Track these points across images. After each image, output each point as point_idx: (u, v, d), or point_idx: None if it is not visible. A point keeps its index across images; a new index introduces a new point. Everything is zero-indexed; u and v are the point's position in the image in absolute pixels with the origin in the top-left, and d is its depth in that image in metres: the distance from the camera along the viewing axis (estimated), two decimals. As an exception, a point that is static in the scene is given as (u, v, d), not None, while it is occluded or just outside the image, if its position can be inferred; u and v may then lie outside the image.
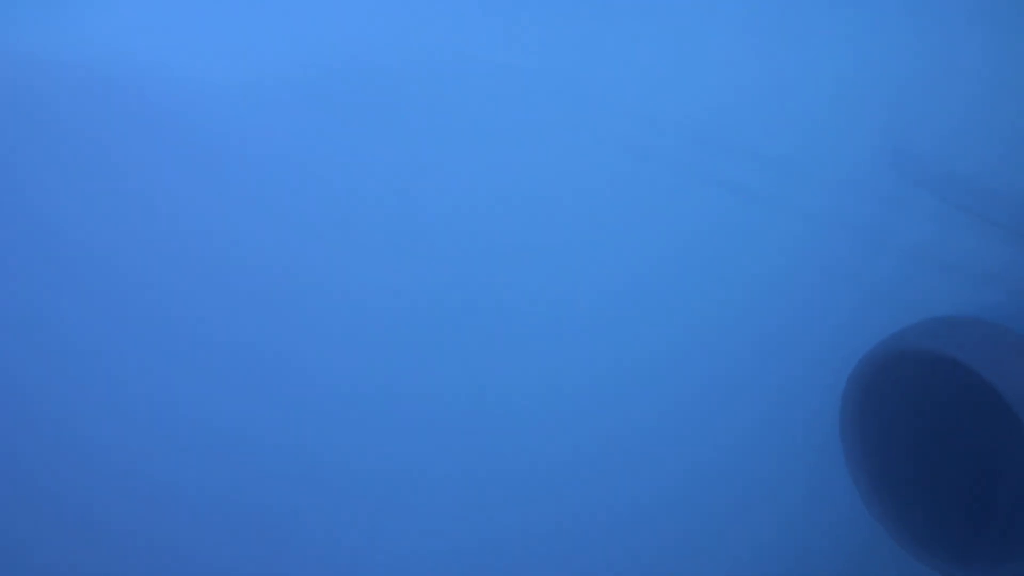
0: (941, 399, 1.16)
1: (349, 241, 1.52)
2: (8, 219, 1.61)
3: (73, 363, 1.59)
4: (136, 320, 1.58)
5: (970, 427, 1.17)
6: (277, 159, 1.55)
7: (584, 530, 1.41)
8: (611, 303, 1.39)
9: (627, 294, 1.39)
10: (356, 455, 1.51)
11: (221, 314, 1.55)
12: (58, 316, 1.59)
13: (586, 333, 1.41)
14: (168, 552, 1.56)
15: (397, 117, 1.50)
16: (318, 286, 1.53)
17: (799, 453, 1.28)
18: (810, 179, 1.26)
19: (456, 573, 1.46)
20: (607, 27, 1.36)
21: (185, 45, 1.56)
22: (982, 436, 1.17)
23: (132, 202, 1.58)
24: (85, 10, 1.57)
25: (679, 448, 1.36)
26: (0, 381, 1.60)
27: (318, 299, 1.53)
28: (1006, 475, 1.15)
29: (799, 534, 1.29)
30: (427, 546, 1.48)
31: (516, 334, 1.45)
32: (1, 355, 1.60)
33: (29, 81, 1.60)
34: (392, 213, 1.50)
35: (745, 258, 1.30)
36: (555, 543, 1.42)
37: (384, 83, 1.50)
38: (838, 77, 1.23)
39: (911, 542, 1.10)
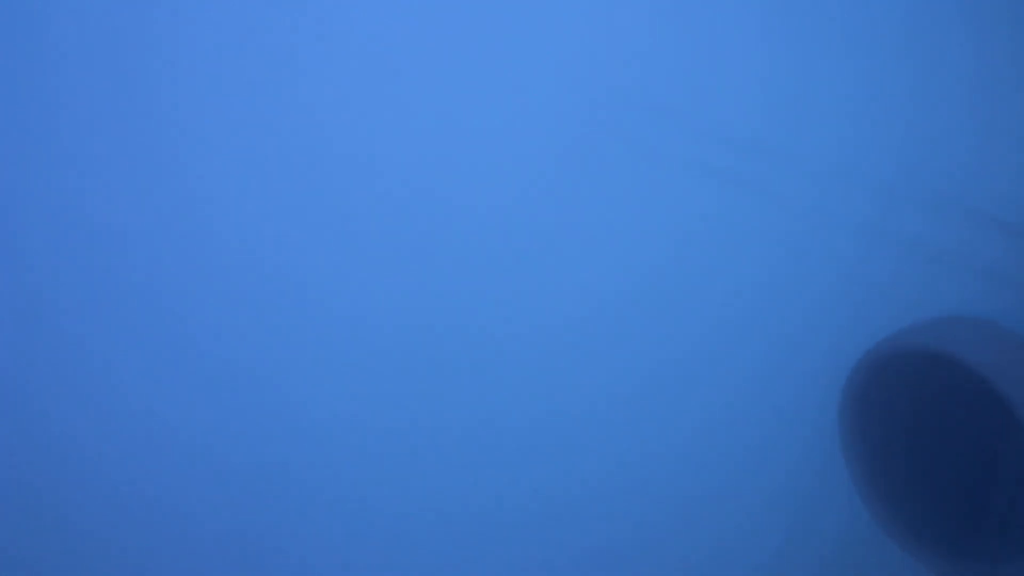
0: (940, 398, 1.16)
1: (348, 246, 1.52)
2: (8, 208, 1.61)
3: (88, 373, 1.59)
4: (138, 331, 1.58)
5: (968, 426, 1.17)
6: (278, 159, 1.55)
7: (581, 528, 1.41)
8: (608, 299, 1.40)
9: (624, 290, 1.39)
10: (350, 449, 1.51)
11: (233, 327, 1.55)
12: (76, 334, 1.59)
13: (582, 329, 1.41)
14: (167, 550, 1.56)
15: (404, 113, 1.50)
16: (321, 291, 1.53)
17: (798, 450, 1.29)
18: (811, 179, 1.26)
19: (449, 543, 1.46)
20: (607, 19, 1.36)
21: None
22: (980, 435, 1.17)
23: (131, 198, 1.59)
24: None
25: (677, 444, 1.36)
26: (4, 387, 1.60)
27: (321, 303, 1.53)
28: (1004, 474, 1.15)
29: (797, 531, 1.29)
30: (422, 510, 1.47)
31: (512, 327, 1.45)
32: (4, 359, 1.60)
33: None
34: (385, 207, 1.50)
35: (745, 257, 1.30)
36: (552, 539, 1.42)
37: (386, 85, 1.50)
38: (840, 77, 1.24)
39: (908, 540, 1.10)
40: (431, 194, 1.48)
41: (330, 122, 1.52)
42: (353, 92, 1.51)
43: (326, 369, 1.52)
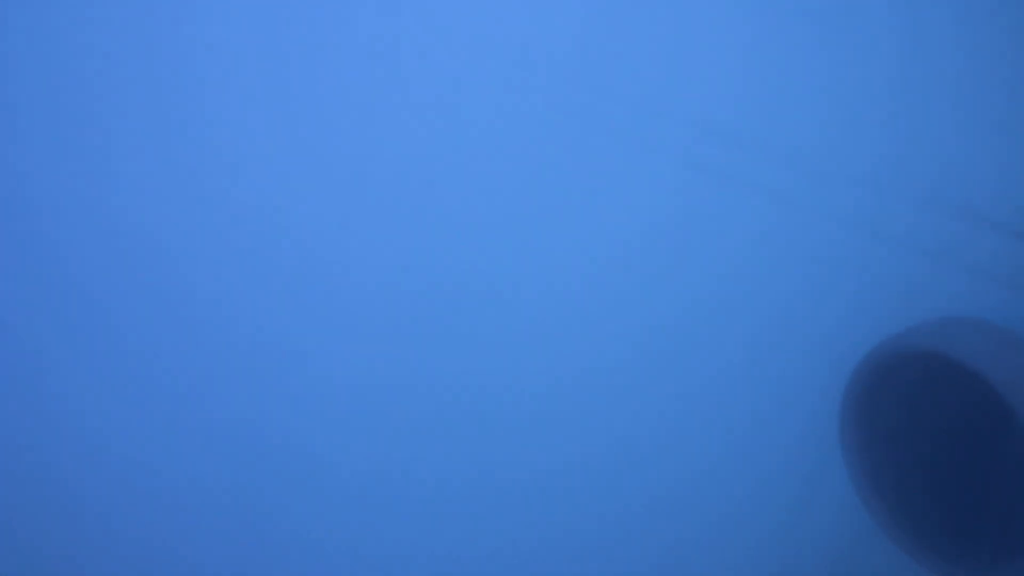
0: (941, 399, 1.16)
1: (348, 230, 1.52)
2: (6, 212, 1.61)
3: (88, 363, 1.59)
4: (142, 313, 1.58)
5: (969, 428, 1.17)
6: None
7: (583, 530, 1.41)
8: (605, 298, 1.40)
9: (621, 290, 1.39)
10: (353, 455, 1.51)
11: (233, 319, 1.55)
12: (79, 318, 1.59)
13: (584, 331, 1.41)
14: (164, 549, 1.56)
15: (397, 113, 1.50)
16: (320, 280, 1.53)
17: (798, 452, 1.29)
18: (813, 179, 1.26)
19: (450, 573, 1.46)
20: (624, 22, 1.36)
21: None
22: (980, 437, 1.17)
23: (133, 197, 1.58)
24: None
25: (678, 446, 1.36)
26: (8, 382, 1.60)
27: (320, 294, 1.53)
28: (1004, 476, 1.15)
29: (797, 533, 1.29)
30: (421, 546, 1.48)
31: (515, 332, 1.45)
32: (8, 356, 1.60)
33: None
34: (386, 195, 1.50)
35: (747, 257, 1.31)
36: (553, 539, 1.42)
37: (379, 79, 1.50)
38: (844, 76, 1.24)
39: (907, 541, 1.11)
40: (422, 194, 1.48)
41: (319, 116, 1.52)
42: (343, 92, 1.50)
43: (330, 356, 1.52)
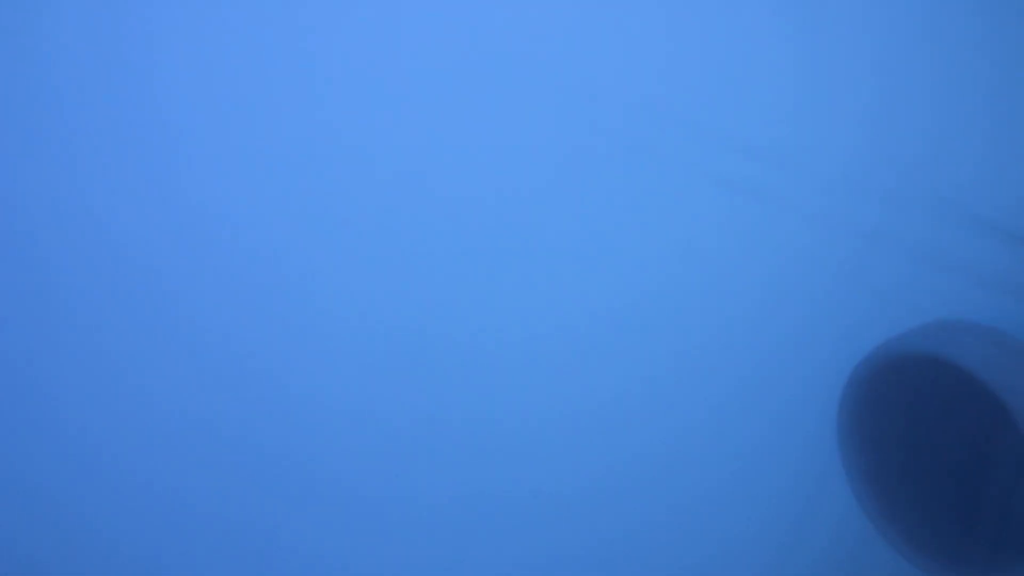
0: (938, 403, 1.16)
1: (349, 250, 1.51)
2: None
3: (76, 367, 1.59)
4: (138, 323, 1.58)
5: (967, 432, 1.17)
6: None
7: (583, 532, 1.41)
8: (608, 300, 1.40)
9: (624, 292, 1.39)
10: (350, 467, 1.51)
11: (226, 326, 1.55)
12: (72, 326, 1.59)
13: (581, 331, 1.41)
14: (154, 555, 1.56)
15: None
16: (317, 295, 1.53)
17: (795, 454, 1.29)
18: (810, 181, 1.26)
19: (445, 534, 1.46)
20: (608, 21, 1.36)
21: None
22: (978, 441, 1.17)
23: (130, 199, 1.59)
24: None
25: (674, 446, 1.36)
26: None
27: (316, 310, 1.53)
28: (1001, 479, 1.15)
29: (794, 535, 1.30)
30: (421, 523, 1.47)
31: (514, 334, 1.45)
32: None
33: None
34: (384, 206, 1.50)
35: (744, 260, 1.31)
36: (555, 540, 1.42)
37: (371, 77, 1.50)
38: (842, 80, 1.24)
39: (904, 544, 1.11)
40: (438, 198, 1.48)
41: (326, 123, 1.52)
42: (349, 94, 1.50)
43: (328, 366, 1.52)
